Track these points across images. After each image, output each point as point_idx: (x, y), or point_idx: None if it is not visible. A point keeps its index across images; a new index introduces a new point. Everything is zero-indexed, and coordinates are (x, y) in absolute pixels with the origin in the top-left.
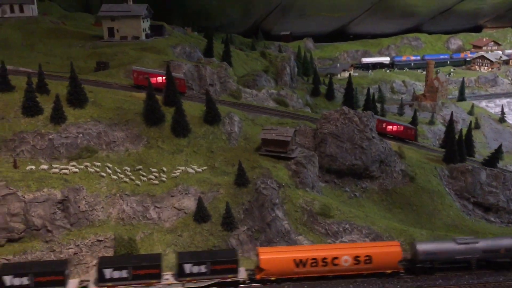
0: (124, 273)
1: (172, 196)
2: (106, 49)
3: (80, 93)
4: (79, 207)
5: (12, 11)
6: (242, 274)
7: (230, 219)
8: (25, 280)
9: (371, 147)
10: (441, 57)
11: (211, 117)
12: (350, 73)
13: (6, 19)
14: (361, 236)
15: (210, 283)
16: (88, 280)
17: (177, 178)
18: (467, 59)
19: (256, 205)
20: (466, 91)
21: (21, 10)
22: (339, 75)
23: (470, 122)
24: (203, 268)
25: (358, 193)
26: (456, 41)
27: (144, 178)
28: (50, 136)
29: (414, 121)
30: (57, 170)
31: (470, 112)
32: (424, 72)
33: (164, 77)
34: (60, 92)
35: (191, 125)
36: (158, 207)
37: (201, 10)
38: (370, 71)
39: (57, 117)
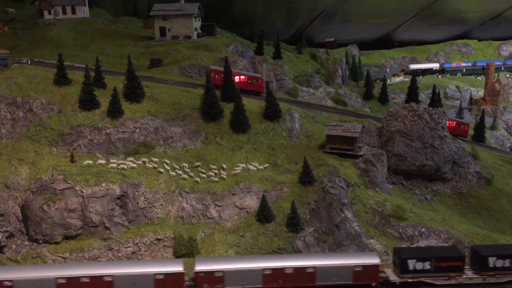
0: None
1: (233, 194)
2: (158, 48)
3: (137, 87)
4: (138, 203)
5: (64, 12)
6: None
7: (296, 219)
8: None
9: (443, 147)
10: (495, 63)
11: (272, 112)
12: (413, 70)
13: (59, 20)
14: (439, 241)
15: None
16: None
17: (238, 176)
18: None
19: (323, 205)
20: None
21: (73, 12)
22: (389, 80)
23: None
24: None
25: (429, 196)
26: (508, 48)
27: (204, 175)
28: (107, 131)
29: (481, 124)
30: (114, 165)
31: None
32: (478, 78)
33: (241, 76)
34: (116, 87)
35: (250, 121)
36: (218, 206)
37: (246, 16)
38: (420, 76)
39: (114, 111)
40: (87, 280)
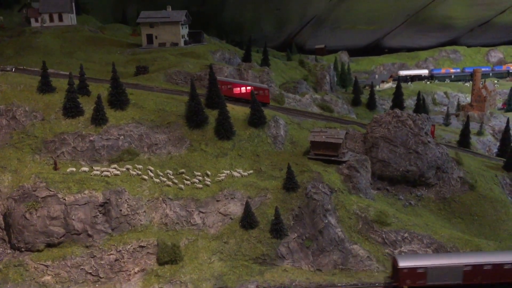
0: None
1: (217, 201)
2: (145, 55)
3: (122, 94)
4: (121, 210)
5: (51, 20)
6: None
7: (279, 225)
8: None
9: (426, 152)
10: (483, 69)
11: (257, 119)
12: (399, 77)
13: (46, 28)
14: (422, 246)
15: None
16: None
17: (222, 182)
18: (510, 71)
19: (307, 211)
20: None
21: (60, 19)
22: (377, 87)
23: None
24: None
25: (413, 201)
26: (496, 54)
27: (188, 182)
28: (91, 138)
29: (466, 130)
30: (98, 173)
31: None
32: (466, 84)
33: (248, 87)
34: (101, 94)
35: (235, 128)
36: (202, 212)
37: (235, 23)
38: (409, 82)
39: (98, 119)
40: (489, 268)
